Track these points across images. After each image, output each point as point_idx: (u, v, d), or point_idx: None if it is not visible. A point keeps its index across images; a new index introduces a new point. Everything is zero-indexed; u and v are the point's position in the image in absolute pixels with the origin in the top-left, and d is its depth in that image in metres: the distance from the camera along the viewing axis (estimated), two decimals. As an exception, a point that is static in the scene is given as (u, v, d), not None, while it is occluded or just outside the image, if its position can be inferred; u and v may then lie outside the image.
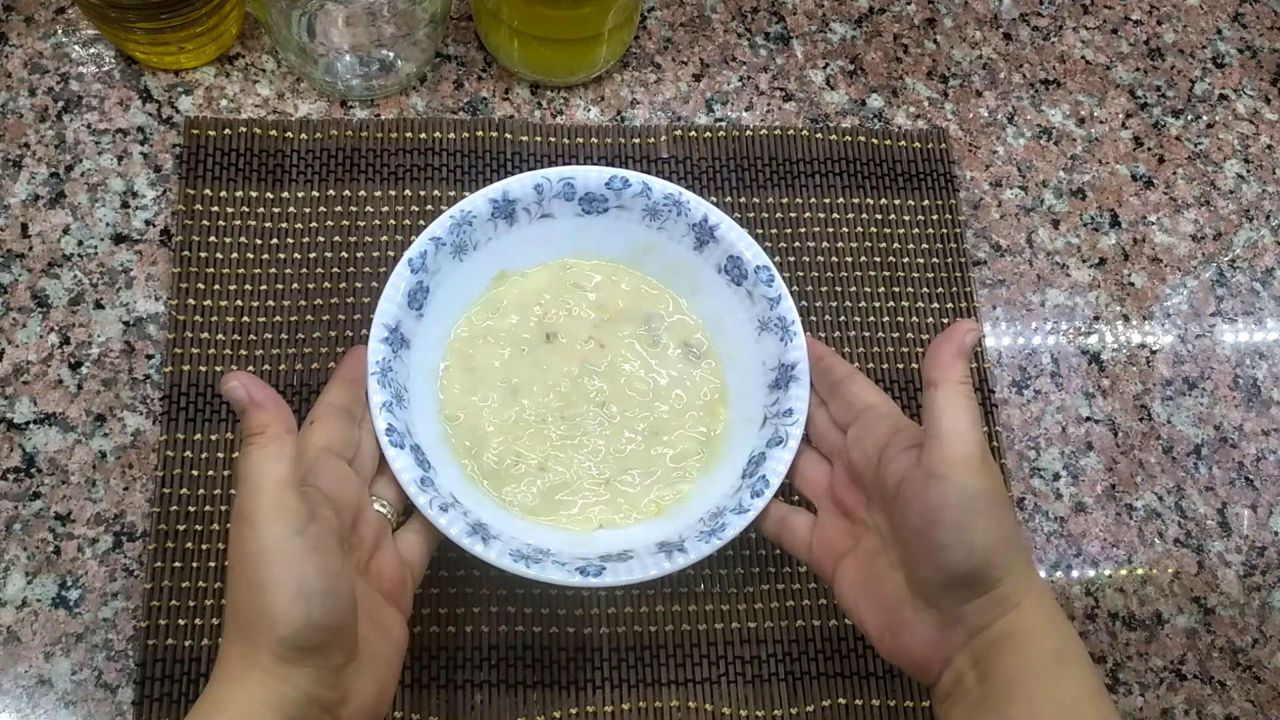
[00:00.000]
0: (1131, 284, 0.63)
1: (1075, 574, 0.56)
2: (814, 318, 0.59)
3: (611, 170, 0.51)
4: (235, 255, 0.57)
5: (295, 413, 0.53)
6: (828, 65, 0.66)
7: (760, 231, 0.59)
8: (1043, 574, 0.56)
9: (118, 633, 0.50)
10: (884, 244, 0.61)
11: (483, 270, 0.53)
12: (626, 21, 0.60)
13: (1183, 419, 0.60)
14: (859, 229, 0.61)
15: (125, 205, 0.57)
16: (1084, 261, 0.63)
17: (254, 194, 0.58)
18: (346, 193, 0.58)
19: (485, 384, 0.52)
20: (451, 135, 0.60)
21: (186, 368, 0.54)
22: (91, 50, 0.60)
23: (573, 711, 0.51)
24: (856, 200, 0.62)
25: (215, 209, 0.57)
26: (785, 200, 0.61)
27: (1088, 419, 0.60)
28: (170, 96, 0.60)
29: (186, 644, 0.50)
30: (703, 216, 0.51)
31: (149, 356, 0.55)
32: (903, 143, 0.63)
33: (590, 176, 0.51)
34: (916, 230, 0.62)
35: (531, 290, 0.54)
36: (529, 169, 0.57)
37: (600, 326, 0.54)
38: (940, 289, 0.61)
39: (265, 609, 0.36)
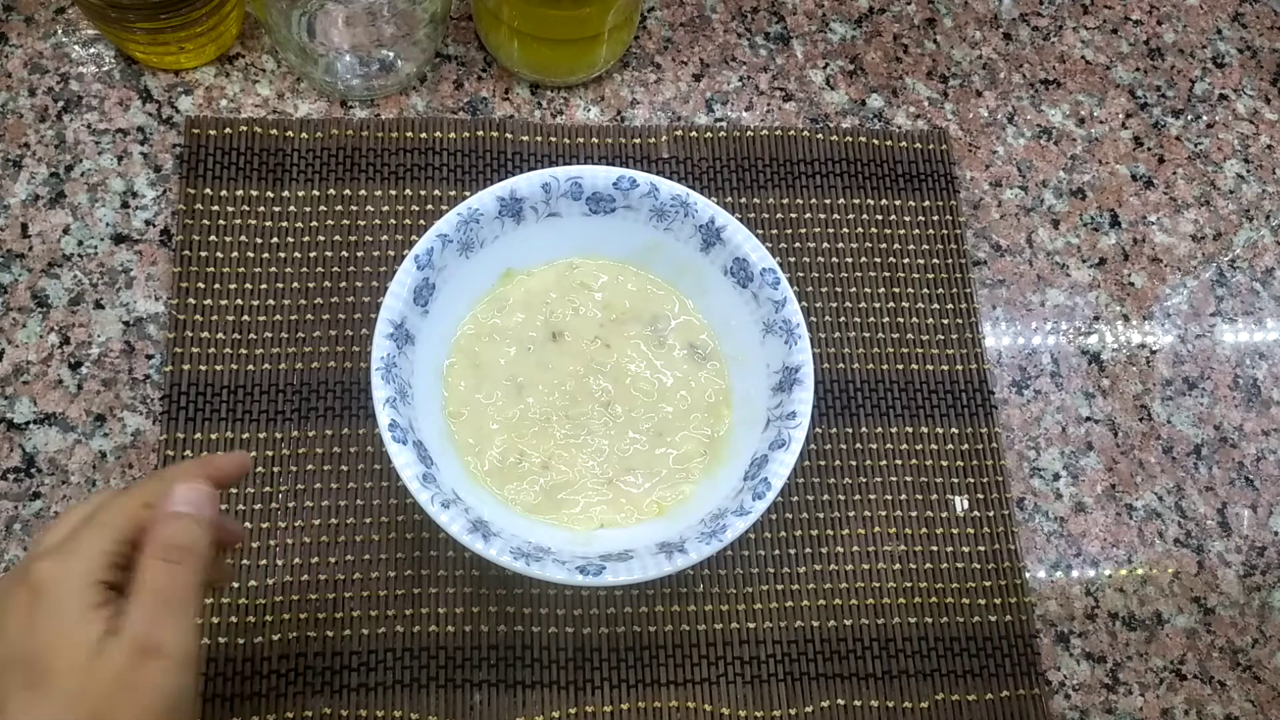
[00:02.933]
0: (1131, 284, 0.63)
1: (1075, 574, 0.56)
2: (814, 318, 0.59)
3: (619, 170, 0.51)
4: (235, 255, 0.57)
5: (294, 410, 0.54)
6: (828, 65, 0.66)
7: (761, 232, 0.59)
8: (1042, 574, 0.56)
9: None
10: (884, 244, 0.61)
11: (489, 268, 0.53)
12: (626, 21, 0.60)
13: (1183, 419, 0.60)
14: (859, 229, 0.61)
15: (125, 205, 0.57)
16: (1084, 261, 0.63)
17: (254, 193, 0.58)
18: (347, 192, 0.58)
19: (490, 381, 0.52)
20: (452, 135, 0.60)
21: (186, 367, 0.54)
22: (91, 50, 0.60)
23: (572, 711, 0.51)
24: (857, 201, 0.62)
25: (215, 209, 0.57)
26: (785, 201, 0.61)
27: (1088, 419, 0.60)
28: (170, 96, 0.60)
29: (187, 644, 0.50)
30: (710, 218, 0.52)
31: (149, 356, 0.55)
32: (903, 143, 0.63)
33: (598, 176, 0.51)
34: (916, 230, 0.62)
35: (538, 289, 0.54)
36: (529, 169, 0.57)
37: (606, 326, 0.54)
38: (940, 289, 0.61)
39: None
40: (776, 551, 0.54)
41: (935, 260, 0.61)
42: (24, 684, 0.35)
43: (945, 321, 0.60)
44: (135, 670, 0.35)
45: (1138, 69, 0.69)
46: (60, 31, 0.60)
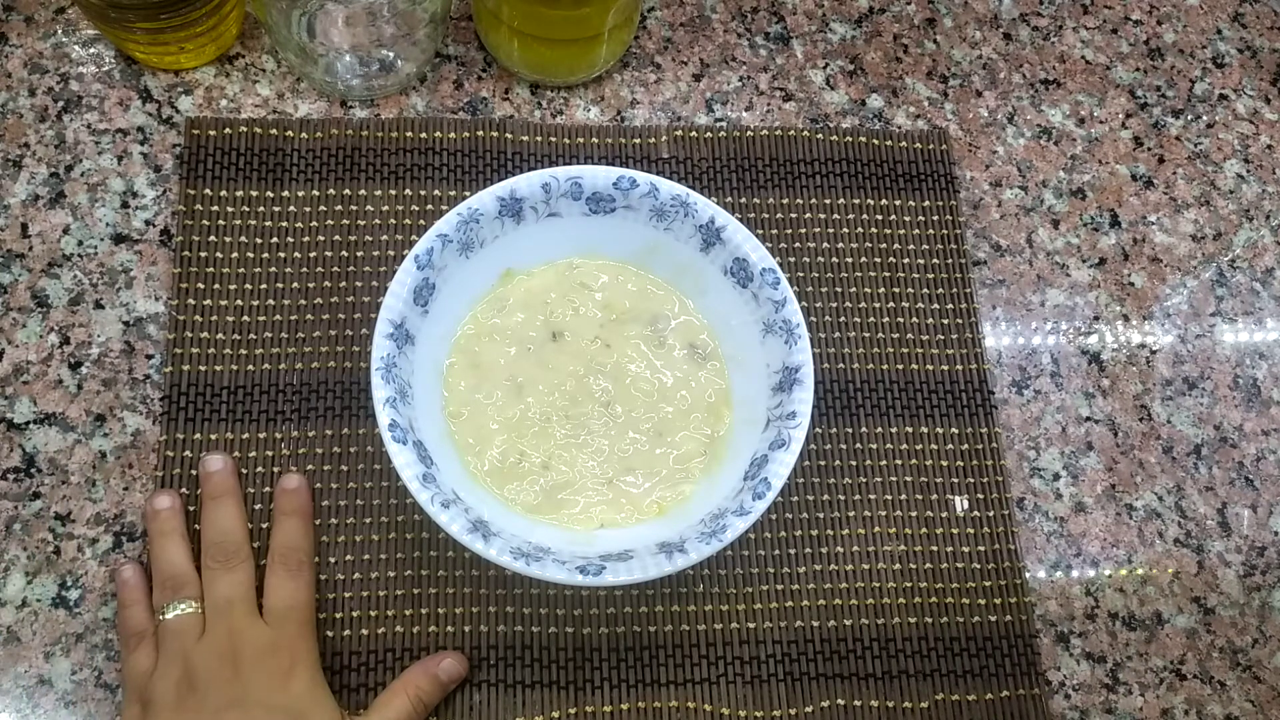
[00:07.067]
0: (1131, 284, 0.63)
1: (1075, 574, 0.57)
2: (814, 318, 0.59)
3: (619, 170, 0.51)
4: (235, 255, 0.57)
5: (294, 410, 0.54)
6: (828, 65, 0.66)
7: (761, 232, 0.59)
8: (1042, 574, 0.56)
9: (118, 633, 0.50)
10: (884, 244, 0.61)
11: (489, 268, 0.53)
12: (626, 21, 0.60)
13: (1183, 419, 0.60)
14: (859, 229, 0.61)
15: (125, 205, 0.57)
16: (1084, 261, 0.63)
17: (254, 193, 0.58)
18: (347, 192, 0.58)
19: (490, 381, 0.52)
20: (452, 135, 0.60)
21: (186, 368, 0.54)
22: (91, 50, 0.60)
23: (571, 711, 0.51)
24: (857, 201, 0.62)
25: (215, 209, 0.57)
26: (785, 201, 0.61)
27: (1088, 419, 0.60)
28: (170, 96, 0.60)
29: (187, 644, 0.50)
30: (709, 218, 0.52)
31: (149, 356, 0.55)
32: (903, 143, 0.63)
33: (598, 176, 0.51)
34: (916, 230, 0.62)
35: (538, 289, 0.54)
36: (529, 169, 0.57)
37: (607, 326, 0.54)
38: (940, 289, 0.61)
39: None
40: (776, 551, 0.54)
41: (935, 260, 0.61)
42: None
43: (945, 321, 0.60)
44: None
45: (1138, 69, 0.69)
46: (60, 31, 0.60)
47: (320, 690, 0.48)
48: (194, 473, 0.52)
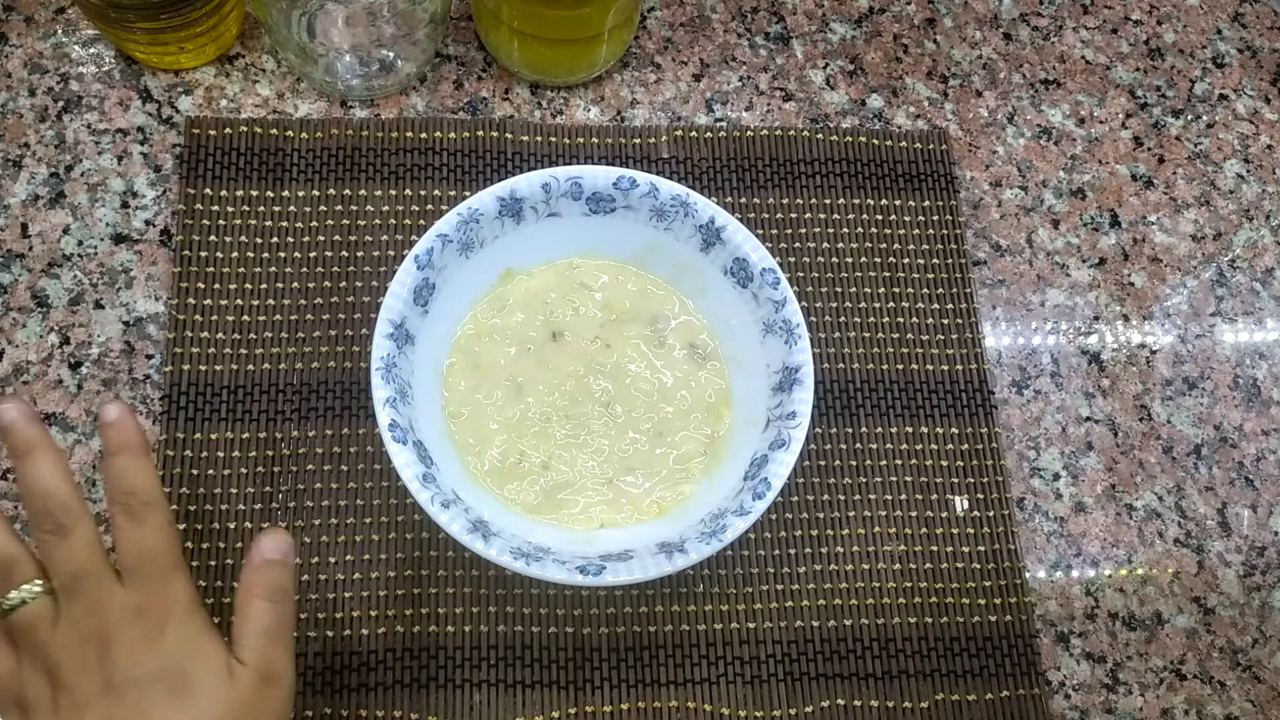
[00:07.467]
0: (1131, 284, 0.63)
1: (1075, 574, 0.57)
2: (814, 318, 0.59)
3: (619, 170, 0.51)
4: (235, 255, 0.57)
5: (294, 410, 0.54)
6: (828, 65, 0.66)
7: (760, 232, 0.59)
8: (1042, 574, 0.56)
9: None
10: (884, 244, 0.61)
11: (489, 268, 0.53)
12: (626, 21, 0.60)
13: (1183, 419, 0.60)
14: (859, 229, 0.61)
15: (125, 205, 0.57)
16: (1084, 261, 0.63)
17: (254, 193, 0.58)
18: (347, 192, 0.58)
19: (490, 381, 0.52)
20: (452, 135, 0.60)
21: (186, 368, 0.54)
22: (91, 50, 0.60)
23: (571, 711, 0.51)
24: (857, 201, 0.62)
25: (215, 209, 0.57)
26: (785, 201, 0.61)
27: (1088, 419, 0.60)
28: (170, 96, 0.60)
29: (187, 644, 0.50)
30: (710, 218, 0.52)
31: (149, 356, 0.55)
32: (903, 143, 0.63)
33: (598, 176, 0.51)
34: (916, 230, 0.62)
35: (538, 289, 0.54)
36: (529, 169, 0.57)
37: (607, 326, 0.54)
38: (940, 289, 0.61)
39: None
40: (776, 551, 0.54)
41: (935, 260, 0.61)
42: (169, 691, 0.40)
43: (945, 321, 0.60)
44: (260, 695, 0.41)
45: (1138, 69, 0.69)
46: (60, 31, 0.60)
47: (199, 636, 0.41)
48: (194, 473, 0.52)
